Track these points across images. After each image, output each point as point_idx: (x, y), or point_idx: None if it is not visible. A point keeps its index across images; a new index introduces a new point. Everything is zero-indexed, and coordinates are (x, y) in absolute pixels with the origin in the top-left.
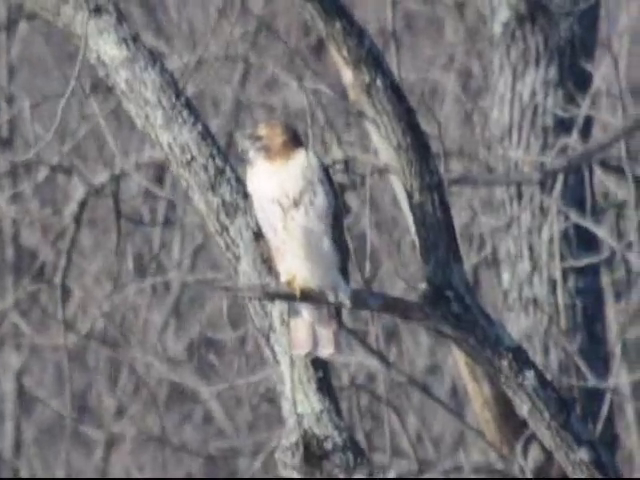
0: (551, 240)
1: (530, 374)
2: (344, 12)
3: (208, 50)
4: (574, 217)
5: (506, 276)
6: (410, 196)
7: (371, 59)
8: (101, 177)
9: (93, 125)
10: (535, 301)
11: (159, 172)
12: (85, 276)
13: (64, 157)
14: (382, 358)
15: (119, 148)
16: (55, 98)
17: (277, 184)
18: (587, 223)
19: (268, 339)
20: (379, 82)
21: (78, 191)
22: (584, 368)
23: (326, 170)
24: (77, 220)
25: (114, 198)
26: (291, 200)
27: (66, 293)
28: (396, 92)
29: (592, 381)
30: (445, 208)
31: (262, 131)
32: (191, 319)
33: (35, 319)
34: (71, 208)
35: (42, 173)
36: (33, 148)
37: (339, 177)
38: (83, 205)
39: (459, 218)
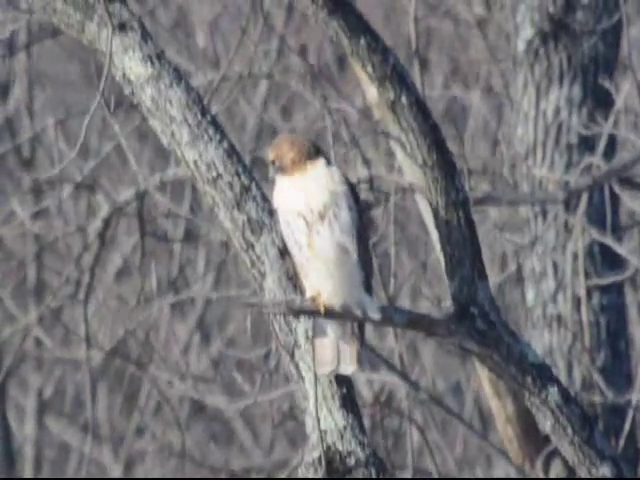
0: (575, 258)
1: (554, 390)
2: (368, 29)
3: (232, 68)
4: (597, 235)
5: (530, 294)
6: (436, 213)
7: (396, 76)
8: (126, 194)
9: (117, 142)
10: (559, 318)
11: (181, 189)
12: (109, 293)
13: (88, 175)
14: (405, 377)
15: (143, 165)
16: (79, 115)
17: (300, 195)
18: (610, 241)
19: (292, 355)
20: (404, 99)
21: (102, 208)
22: (606, 385)
23: (350, 185)
24: (101, 237)
25: (138, 216)
26: (315, 213)
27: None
28: (421, 109)
29: (615, 397)
30: (470, 225)
31: (271, 155)
32: (215, 336)
33: (57, 336)
34: (95, 225)
35: (66, 190)
36: (57, 165)
37: (364, 195)
38: (107, 222)
39: (484, 236)
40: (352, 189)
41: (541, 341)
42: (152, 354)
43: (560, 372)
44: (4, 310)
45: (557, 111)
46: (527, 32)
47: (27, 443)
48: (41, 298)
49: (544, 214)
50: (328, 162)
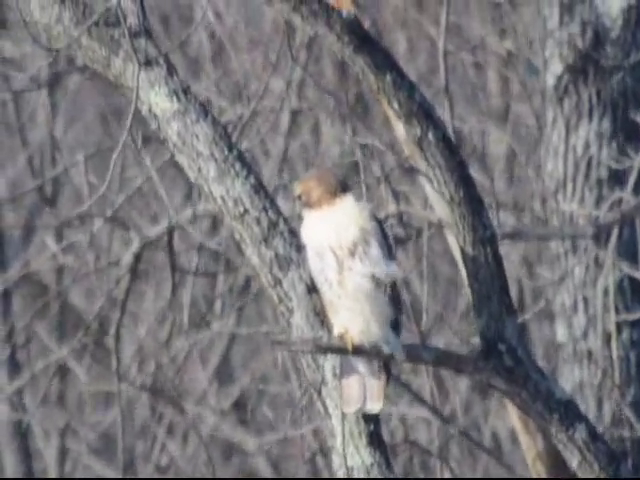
0: (606, 293)
1: (581, 427)
2: (394, 65)
3: (261, 103)
4: (628, 269)
5: (561, 329)
6: (463, 249)
7: (422, 112)
8: (156, 229)
9: (147, 177)
10: (589, 354)
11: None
12: (139, 327)
13: (119, 209)
14: (436, 412)
15: (174, 199)
16: (108, 151)
17: (329, 230)
18: None
19: (320, 392)
20: (431, 135)
21: (133, 243)
22: (636, 420)
23: (379, 221)
24: (132, 271)
25: (169, 250)
26: (345, 249)
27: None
28: (448, 145)
29: None
30: (498, 261)
31: (297, 189)
32: (239, 371)
33: (87, 370)
34: (126, 259)
35: (97, 225)
36: (87, 200)
37: (394, 230)
38: (138, 256)
39: (514, 270)
40: (381, 225)
41: (571, 377)
42: (181, 390)
43: (590, 407)
44: (39, 343)
45: (587, 146)
46: (556, 67)
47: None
48: (73, 332)
49: (574, 249)
50: (357, 198)
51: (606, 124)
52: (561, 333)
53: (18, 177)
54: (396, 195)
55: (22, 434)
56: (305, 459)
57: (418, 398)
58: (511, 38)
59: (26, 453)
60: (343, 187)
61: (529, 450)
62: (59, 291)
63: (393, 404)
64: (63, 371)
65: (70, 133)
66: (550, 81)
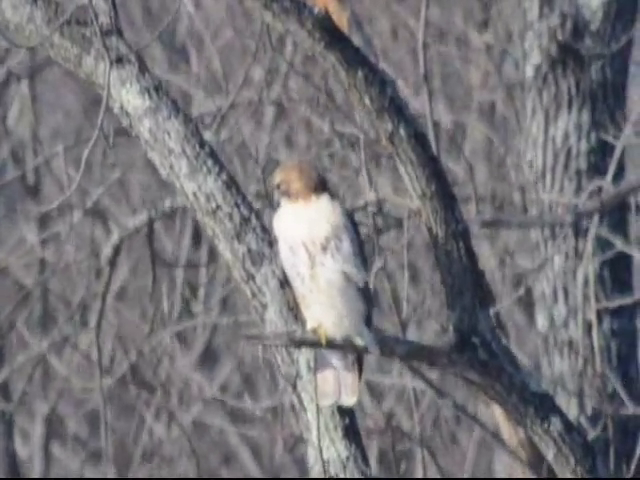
0: (586, 282)
1: (556, 420)
2: (365, 61)
3: (240, 94)
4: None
5: (541, 318)
6: (435, 244)
7: (394, 108)
8: (136, 220)
9: (127, 169)
10: (570, 343)
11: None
12: (120, 319)
13: (98, 200)
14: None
15: (153, 191)
16: (84, 143)
17: (302, 226)
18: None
19: (295, 387)
20: (402, 131)
21: (113, 235)
22: (616, 408)
23: (352, 218)
24: (111, 263)
25: (149, 241)
26: (317, 245)
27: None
28: (420, 141)
29: (626, 422)
30: (471, 255)
31: (277, 177)
32: (223, 361)
33: (67, 363)
34: (106, 251)
35: (76, 217)
36: (65, 192)
37: (373, 219)
38: (118, 249)
39: (493, 259)
40: (353, 223)
41: (552, 366)
42: (162, 380)
43: (571, 397)
44: (18, 337)
45: (566, 136)
46: (535, 58)
47: (33, 470)
48: (52, 325)
49: (553, 238)
50: (332, 196)
51: (585, 115)
52: (541, 322)
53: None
54: (374, 184)
55: (6, 423)
56: (287, 446)
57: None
58: (491, 30)
59: (9, 443)
60: (322, 184)
61: (511, 439)
62: (39, 282)
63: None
64: (45, 363)
65: (52, 122)
66: (529, 72)
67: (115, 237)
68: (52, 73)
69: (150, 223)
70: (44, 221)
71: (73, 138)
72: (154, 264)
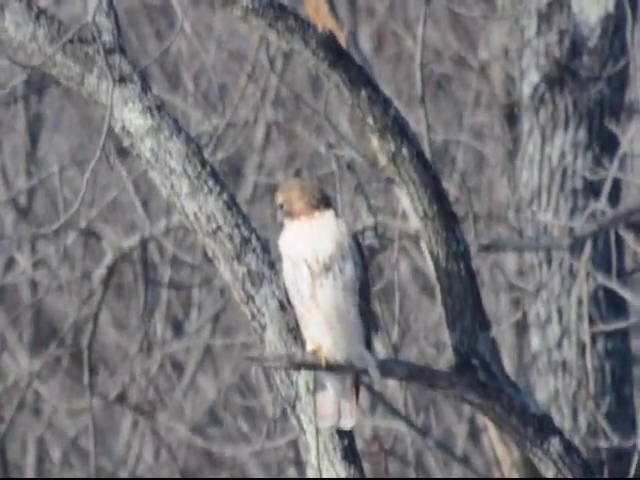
0: (580, 303)
1: (555, 441)
2: (369, 81)
3: (237, 114)
4: (603, 279)
5: (535, 339)
6: (436, 264)
7: (396, 128)
8: (130, 241)
9: (122, 189)
10: (564, 364)
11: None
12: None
13: (92, 221)
14: (410, 423)
15: (148, 212)
16: (84, 163)
17: (307, 243)
18: (616, 286)
19: (294, 408)
20: (405, 151)
21: (107, 255)
22: (611, 430)
23: (356, 239)
24: (105, 284)
25: (142, 262)
26: (321, 263)
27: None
28: (422, 161)
29: (620, 442)
30: (471, 276)
31: (279, 198)
32: (211, 384)
33: (56, 385)
34: (99, 272)
35: (71, 237)
36: (62, 214)
37: (370, 242)
38: (112, 269)
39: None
40: (358, 243)
41: (546, 387)
42: (155, 402)
43: (565, 418)
44: (12, 357)
45: (562, 156)
46: (533, 76)
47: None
48: (44, 346)
49: (549, 260)
50: (336, 214)
51: (582, 134)
52: (536, 343)
53: None
54: (371, 206)
55: None
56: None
57: (393, 410)
58: (486, 50)
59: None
60: (325, 201)
61: (505, 460)
62: (32, 303)
63: (367, 416)
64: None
65: (53, 138)
66: (526, 90)
67: (109, 257)
68: (52, 91)
69: (143, 244)
70: (35, 241)
71: (74, 153)
72: (147, 285)
